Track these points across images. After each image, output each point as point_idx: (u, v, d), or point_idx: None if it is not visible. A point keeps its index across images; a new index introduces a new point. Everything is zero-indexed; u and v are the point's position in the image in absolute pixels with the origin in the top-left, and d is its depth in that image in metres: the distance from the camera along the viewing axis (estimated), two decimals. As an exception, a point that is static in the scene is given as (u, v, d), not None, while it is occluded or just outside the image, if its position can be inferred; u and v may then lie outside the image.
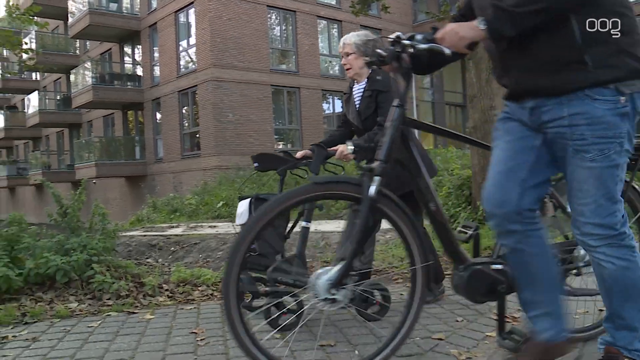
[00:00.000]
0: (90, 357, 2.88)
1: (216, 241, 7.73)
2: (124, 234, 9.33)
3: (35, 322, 3.68)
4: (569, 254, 2.56)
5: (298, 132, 22.48)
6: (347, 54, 3.61)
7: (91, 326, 3.49)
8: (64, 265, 4.46)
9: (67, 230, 5.27)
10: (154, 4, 23.40)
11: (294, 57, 22.76)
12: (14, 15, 12.33)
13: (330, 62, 24.24)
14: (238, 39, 20.48)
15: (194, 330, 3.32)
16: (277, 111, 22.15)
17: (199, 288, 4.53)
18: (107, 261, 4.70)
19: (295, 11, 22.49)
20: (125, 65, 25.81)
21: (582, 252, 2.52)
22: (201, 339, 3.14)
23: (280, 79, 21.88)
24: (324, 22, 23.75)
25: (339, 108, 24.32)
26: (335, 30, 24.12)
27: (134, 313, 3.83)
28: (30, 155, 33.85)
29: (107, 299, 4.19)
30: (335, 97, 23.97)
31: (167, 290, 4.47)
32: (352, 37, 3.62)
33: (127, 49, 25.71)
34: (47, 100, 30.18)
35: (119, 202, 25.21)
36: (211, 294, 4.38)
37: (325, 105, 23.92)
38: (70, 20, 24.90)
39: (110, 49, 26.31)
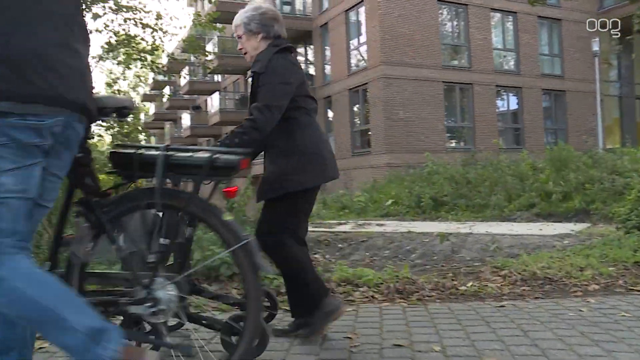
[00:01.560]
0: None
1: (383, 240, 7.50)
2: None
3: (198, 312, 3.69)
4: None
5: (471, 130, 21.59)
6: (239, 37, 3.10)
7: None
8: (227, 259, 4.48)
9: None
10: (325, 4, 23.81)
11: (466, 52, 21.88)
12: (198, 22, 13.12)
13: (504, 56, 22.97)
14: (408, 36, 20.14)
15: (349, 335, 3.09)
16: (449, 108, 21.44)
17: (360, 289, 4.30)
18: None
19: (467, 5, 21.59)
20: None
21: None
22: (355, 345, 2.89)
23: (453, 75, 21.14)
24: (498, 14, 22.53)
25: (514, 105, 22.98)
26: (510, 23, 22.79)
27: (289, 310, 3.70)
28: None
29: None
30: (510, 94, 22.68)
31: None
32: (239, 17, 3.11)
33: (300, 49, 26.48)
34: (226, 100, 32.09)
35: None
36: (371, 296, 4.13)
37: (499, 102, 22.73)
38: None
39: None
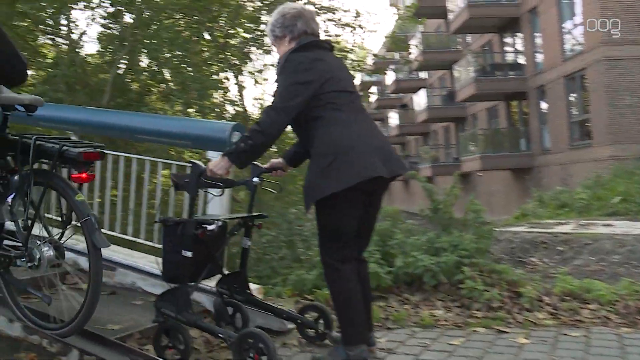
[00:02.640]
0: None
1: (612, 243, 6.53)
2: (507, 229, 8.73)
3: (396, 328, 3.37)
4: None
5: None
6: (274, 46, 3.05)
7: (453, 344, 3.02)
8: (432, 266, 4.10)
9: (438, 227, 4.95)
10: (534, -13, 22.14)
11: None
12: (400, 17, 12.87)
13: None
14: (634, 9, 17.81)
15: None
16: (687, 89, 18.58)
17: (589, 306, 3.64)
18: (480, 264, 4.17)
19: None
20: (506, 54, 25.15)
21: None
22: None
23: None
24: None
25: None
26: None
27: (504, 332, 3.21)
28: (420, 149, 36.02)
29: (476, 310, 3.66)
30: None
31: (548, 304, 3.71)
32: (267, 26, 3.09)
33: (507, 38, 25.02)
34: (433, 96, 31.59)
35: (503, 195, 24.72)
36: (605, 317, 3.45)
37: None
38: (450, 16, 25.43)
39: (490, 40, 26.00)
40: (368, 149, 2.72)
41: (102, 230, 4.59)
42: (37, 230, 2.76)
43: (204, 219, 3.09)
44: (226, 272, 3.35)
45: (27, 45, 10.30)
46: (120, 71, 10.50)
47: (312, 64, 2.79)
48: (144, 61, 11.02)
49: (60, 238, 2.81)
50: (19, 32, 9.72)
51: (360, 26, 12.81)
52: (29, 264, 2.70)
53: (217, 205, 3.87)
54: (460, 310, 3.72)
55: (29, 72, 12.11)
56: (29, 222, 2.71)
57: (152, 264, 3.95)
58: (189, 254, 2.81)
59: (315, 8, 12.33)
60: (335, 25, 12.72)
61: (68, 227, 2.84)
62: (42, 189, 2.74)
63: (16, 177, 2.80)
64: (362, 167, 2.66)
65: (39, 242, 2.71)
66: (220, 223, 3.13)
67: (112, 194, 5.20)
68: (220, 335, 2.82)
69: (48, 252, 2.70)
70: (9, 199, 2.78)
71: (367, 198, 2.79)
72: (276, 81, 2.87)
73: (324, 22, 12.60)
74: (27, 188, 2.74)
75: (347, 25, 12.72)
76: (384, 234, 4.81)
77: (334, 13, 12.56)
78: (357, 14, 12.73)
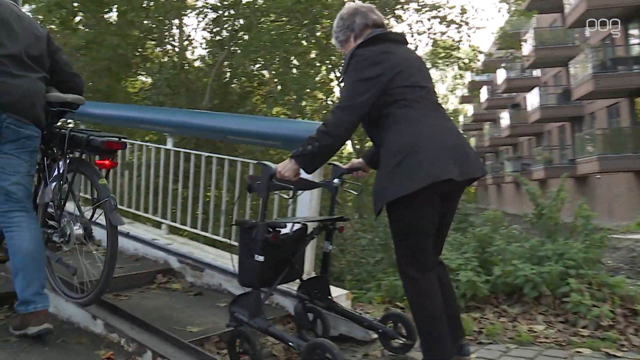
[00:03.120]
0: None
1: None
2: (628, 236, 8.05)
3: (489, 343, 3.10)
4: None
5: None
6: (343, 53, 2.87)
7: (552, 366, 2.69)
8: (533, 277, 3.78)
9: (542, 234, 4.57)
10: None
11: None
12: (510, 11, 12.28)
13: None
14: None
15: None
16: None
17: None
18: (589, 276, 3.77)
19: None
20: (631, 47, 23.37)
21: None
22: None
23: None
24: None
25: None
26: None
27: (615, 356, 2.84)
28: (533, 150, 34.40)
29: (582, 327, 3.30)
30: None
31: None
32: (333, 37, 2.94)
33: (632, 30, 23.26)
34: (547, 95, 30.06)
35: (626, 200, 23.00)
36: None
37: None
38: (566, 10, 24.04)
39: (610, 32, 24.29)
40: (439, 148, 2.50)
41: (195, 230, 4.68)
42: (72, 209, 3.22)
43: (276, 222, 2.95)
44: (313, 275, 3.24)
45: (137, 52, 10.80)
46: (220, 74, 10.73)
47: (378, 57, 2.61)
48: (245, 64, 11.22)
49: (91, 218, 3.24)
50: (130, 41, 10.18)
51: (466, 23, 12.35)
52: (61, 239, 3.16)
53: (305, 207, 3.77)
54: (564, 326, 3.36)
55: (141, 77, 12.58)
56: (62, 202, 3.19)
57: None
58: (260, 258, 2.72)
59: (419, 6, 12.01)
60: (440, 22, 12.33)
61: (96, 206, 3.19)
62: (73, 174, 3.21)
63: (55, 163, 3.27)
64: (432, 168, 2.45)
65: (70, 220, 3.15)
66: (296, 226, 3.01)
67: (207, 194, 5.25)
68: (291, 344, 2.70)
69: (78, 230, 3.12)
70: (52, 183, 3.25)
71: (441, 200, 2.56)
72: (343, 80, 2.72)
73: (428, 20, 12.26)
74: (63, 173, 3.20)
75: (453, 22, 12.30)
76: (483, 240, 4.52)
77: (438, 10, 12.19)
78: (463, 11, 12.28)
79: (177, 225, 4.93)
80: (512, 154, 41.58)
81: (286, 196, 3.17)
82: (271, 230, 2.78)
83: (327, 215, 3.31)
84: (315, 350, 2.53)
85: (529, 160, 34.59)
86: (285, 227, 2.87)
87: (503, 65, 29.34)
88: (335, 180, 3.11)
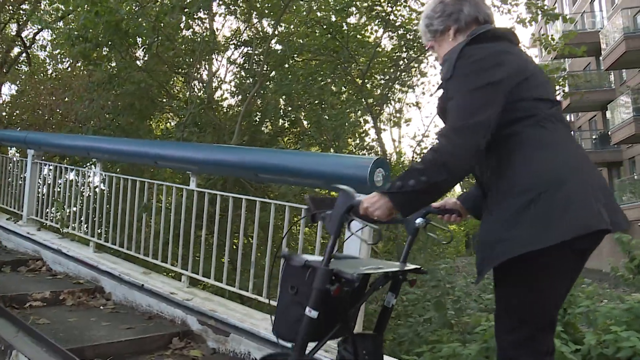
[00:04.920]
0: None
1: None
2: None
3: None
4: None
5: None
6: (431, 48, 2.19)
7: None
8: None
9: (640, 292, 3.81)
10: None
11: None
12: (550, 46, 11.57)
13: None
14: None
15: None
16: None
17: None
18: None
19: None
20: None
21: None
22: None
23: None
24: None
25: None
26: None
27: None
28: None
29: None
30: None
31: None
32: (420, 23, 2.22)
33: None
34: (582, 140, 29.22)
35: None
36: None
37: None
38: (603, 53, 23.42)
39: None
40: (587, 187, 1.82)
41: (220, 284, 3.99)
42: None
43: (345, 270, 2.10)
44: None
45: (163, 90, 10.40)
46: (250, 112, 10.28)
47: (500, 57, 1.90)
48: (277, 102, 10.78)
49: None
50: (156, 78, 9.79)
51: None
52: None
53: (355, 247, 3.05)
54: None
55: (166, 116, 12.08)
56: None
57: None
58: (313, 314, 2.00)
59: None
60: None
61: None
62: None
63: None
64: (584, 213, 1.76)
65: None
66: (362, 275, 2.22)
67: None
68: None
69: None
70: None
71: (577, 262, 1.86)
72: (445, 89, 1.98)
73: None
74: None
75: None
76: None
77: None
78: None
79: (199, 277, 4.23)
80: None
81: (366, 240, 2.37)
82: (334, 278, 2.03)
83: (398, 263, 2.56)
84: None
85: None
86: (356, 280, 2.05)
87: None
88: (418, 220, 2.36)
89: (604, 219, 1.77)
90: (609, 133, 24.14)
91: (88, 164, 7.75)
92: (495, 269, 1.85)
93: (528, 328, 1.84)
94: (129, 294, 4.25)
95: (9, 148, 9.06)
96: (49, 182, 6.04)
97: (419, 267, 2.44)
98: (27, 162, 6.22)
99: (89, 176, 5.57)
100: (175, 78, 11.41)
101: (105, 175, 5.39)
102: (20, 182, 6.64)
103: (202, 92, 10.67)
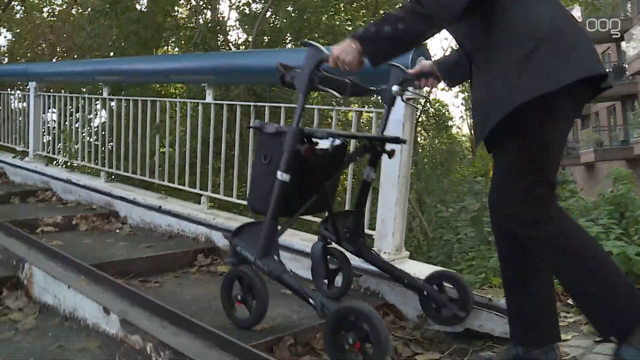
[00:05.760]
0: None
1: None
2: None
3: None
4: None
5: None
6: None
7: None
8: None
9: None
10: None
11: None
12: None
13: None
14: None
15: None
16: None
17: None
18: None
19: None
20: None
21: None
22: None
23: None
24: None
25: None
26: None
27: None
28: (582, 133, 32.86)
29: None
30: None
31: None
32: None
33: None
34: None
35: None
36: None
37: None
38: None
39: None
40: (584, 35, 1.78)
41: (243, 202, 3.71)
42: None
43: (315, 130, 2.11)
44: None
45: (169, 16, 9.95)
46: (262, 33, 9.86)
47: None
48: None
49: None
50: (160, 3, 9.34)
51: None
52: None
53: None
54: None
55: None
56: None
57: (305, 241, 2.95)
58: (284, 177, 2.00)
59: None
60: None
61: None
62: None
63: None
64: (588, 57, 1.73)
65: None
66: (338, 141, 2.19)
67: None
68: (311, 302, 1.94)
69: None
70: None
71: (575, 113, 1.79)
72: None
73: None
74: None
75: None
76: (620, 203, 3.51)
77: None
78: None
79: (221, 196, 3.91)
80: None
81: (337, 94, 2.14)
82: (306, 140, 2.00)
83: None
84: (347, 317, 1.77)
85: (575, 143, 33.10)
86: (326, 138, 2.06)
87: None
88: (394, 87, 2.26)
89: (603, 66, 1.76)
90: (624, 65, 23.54)
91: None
92: (493, 138, 1.75)
93: (545, 178, 1.75)
94: (146, 216, 3.97)
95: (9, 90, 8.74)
96: (53, 117, 5.76)
97: (397, 136, 2.40)
98: (30, 96, 5.89)
99: (97, 102, 5.22)
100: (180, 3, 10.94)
101: (114, 99, 5.04)
102: (20, 117, 6.34)
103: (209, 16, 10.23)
